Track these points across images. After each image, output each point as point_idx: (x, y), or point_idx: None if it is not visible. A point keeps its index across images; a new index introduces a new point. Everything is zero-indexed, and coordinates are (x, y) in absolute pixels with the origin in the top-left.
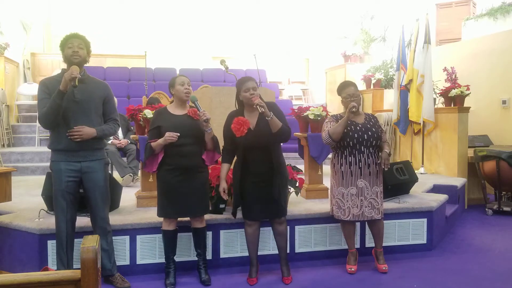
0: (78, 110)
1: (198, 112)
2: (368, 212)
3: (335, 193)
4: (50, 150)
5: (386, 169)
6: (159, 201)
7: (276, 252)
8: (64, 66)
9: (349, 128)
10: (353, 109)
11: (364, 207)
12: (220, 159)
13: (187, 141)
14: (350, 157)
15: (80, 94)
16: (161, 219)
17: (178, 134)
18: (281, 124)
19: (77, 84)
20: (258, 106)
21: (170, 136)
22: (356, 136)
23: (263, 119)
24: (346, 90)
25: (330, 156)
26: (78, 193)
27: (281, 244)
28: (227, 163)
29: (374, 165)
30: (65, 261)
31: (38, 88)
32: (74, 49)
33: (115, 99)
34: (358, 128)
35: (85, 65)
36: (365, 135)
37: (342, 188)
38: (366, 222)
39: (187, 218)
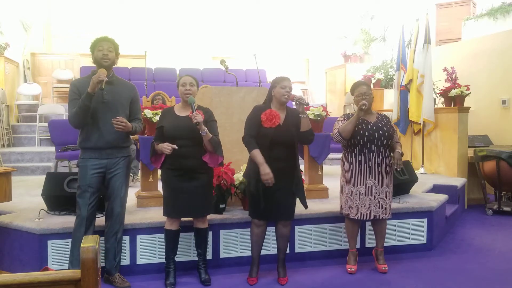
0: (107, 110)
1: (191, 114)
2: (375, 211)
3: (344, 192)
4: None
5: (398, 169)
6: (163, 200)
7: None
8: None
9: (360, 127)
10: (363, 107)
11: (372, 206)
12: (224, 160)
13: (187, 143)
14: (360, 156)
15: (108, 95)
16: (162, 219)
17: (175, 147)
18: (310, 125)
19: (103, 87)
20: (298, 101)
21: (166, 147)
22: (366, 134)
23: (291, 118)
24: (358, 89)
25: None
26: (100, 191)
27: (282, 245)
28: (257, 148)
29: (384, 165)
30: (78, 259)
31: (69, 89)
32: (104, 52)
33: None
34: (369, 126)
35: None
36: (376, 134)
37: (351, 186)
38: (370, 221)
39: (190, 218)
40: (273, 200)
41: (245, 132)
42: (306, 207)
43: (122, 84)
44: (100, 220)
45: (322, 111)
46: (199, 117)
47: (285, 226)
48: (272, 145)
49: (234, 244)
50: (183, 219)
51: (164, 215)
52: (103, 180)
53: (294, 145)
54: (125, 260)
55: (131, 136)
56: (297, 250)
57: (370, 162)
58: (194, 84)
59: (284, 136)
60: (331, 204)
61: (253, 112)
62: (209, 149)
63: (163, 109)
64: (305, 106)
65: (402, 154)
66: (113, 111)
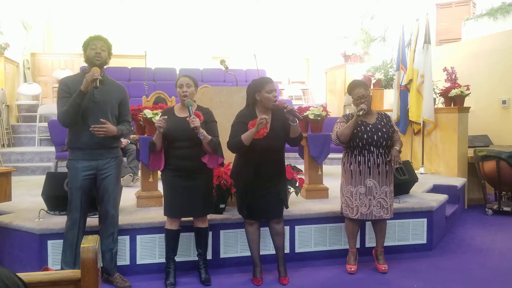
0: (97, 110)
1: (188, 117)
2: (376, 211)
3: (344, 192)
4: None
5: (396, 166)
6: (164, 200)
7: None
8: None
9: (359, 129)
10: (360, 112)
11: (373, 206)
12: (224, 160)
13: (186, 144)
14: (359, 157)
15: (99, 95)
16: (162, 219)
17: (166, 117)
18: (300, 130)
19: (98, 85)
20: (289, 112)
21: (158, 121)
22: (365, 137)
23: (277, 121)
24: (355, 91)
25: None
26: (92, 192)
27: (278, 243)
28: (241, 135)
29: (383, 165)
30: (71, 260)
31: (58, 87)
32: (97, 50)
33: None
34: (368, 128)
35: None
36: (375, 136)
37: (351, 186)
38: (370, 221)
39: (190, 218)
40: (261, 202)
41: (230, 138)
42: (286, 207)
43: (113, 84)
44: (92, 220)
45: (322, 111)
46: (196, 122)
47: (277, 223)
48: (262, 152)
49: (234, 244)
50: (183, 219)
51: (164, 214)
52: (95, 181)
53: (283, 149)
54: (125, 260)
55: (131, 136)
56: (297, 250)
57: (369, 162)
58: (191, 85)
59: (273, 143)
60: (331, 204)
61: (238, 120)
62: (209, 151)
63: (164, 109)
64: (297, 119)
65: (399, 152)
66: (103, 111)
